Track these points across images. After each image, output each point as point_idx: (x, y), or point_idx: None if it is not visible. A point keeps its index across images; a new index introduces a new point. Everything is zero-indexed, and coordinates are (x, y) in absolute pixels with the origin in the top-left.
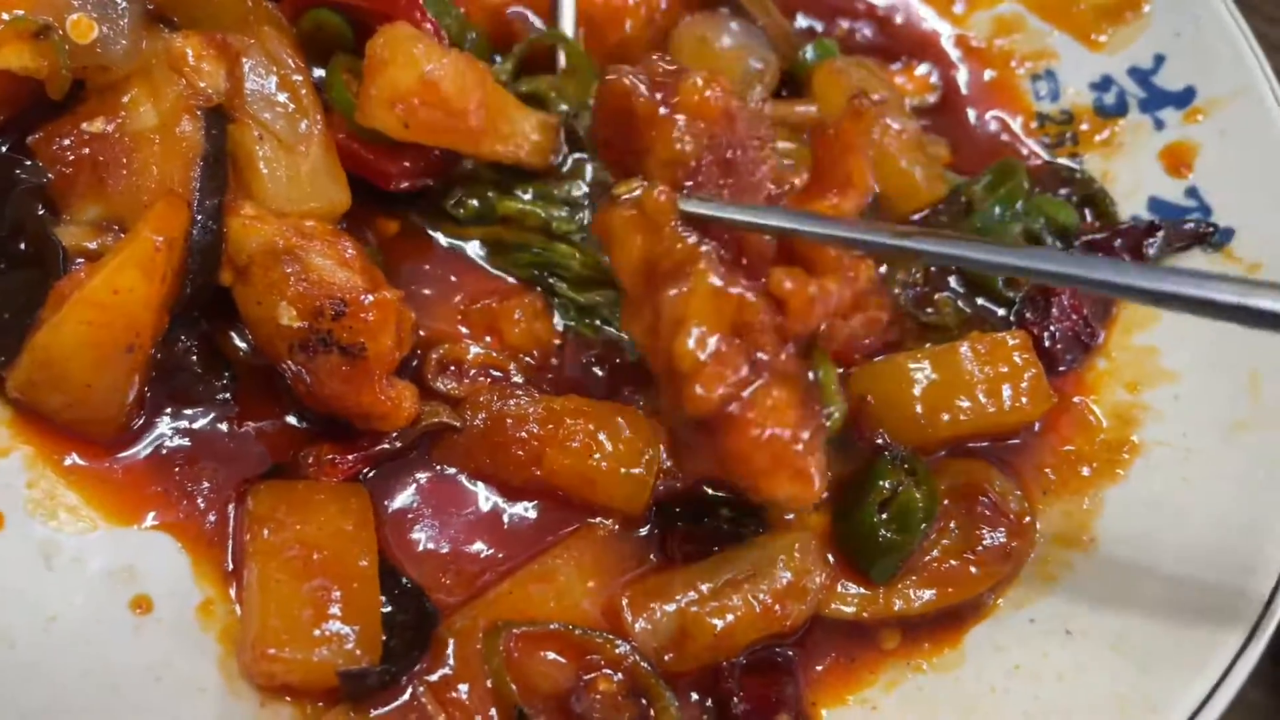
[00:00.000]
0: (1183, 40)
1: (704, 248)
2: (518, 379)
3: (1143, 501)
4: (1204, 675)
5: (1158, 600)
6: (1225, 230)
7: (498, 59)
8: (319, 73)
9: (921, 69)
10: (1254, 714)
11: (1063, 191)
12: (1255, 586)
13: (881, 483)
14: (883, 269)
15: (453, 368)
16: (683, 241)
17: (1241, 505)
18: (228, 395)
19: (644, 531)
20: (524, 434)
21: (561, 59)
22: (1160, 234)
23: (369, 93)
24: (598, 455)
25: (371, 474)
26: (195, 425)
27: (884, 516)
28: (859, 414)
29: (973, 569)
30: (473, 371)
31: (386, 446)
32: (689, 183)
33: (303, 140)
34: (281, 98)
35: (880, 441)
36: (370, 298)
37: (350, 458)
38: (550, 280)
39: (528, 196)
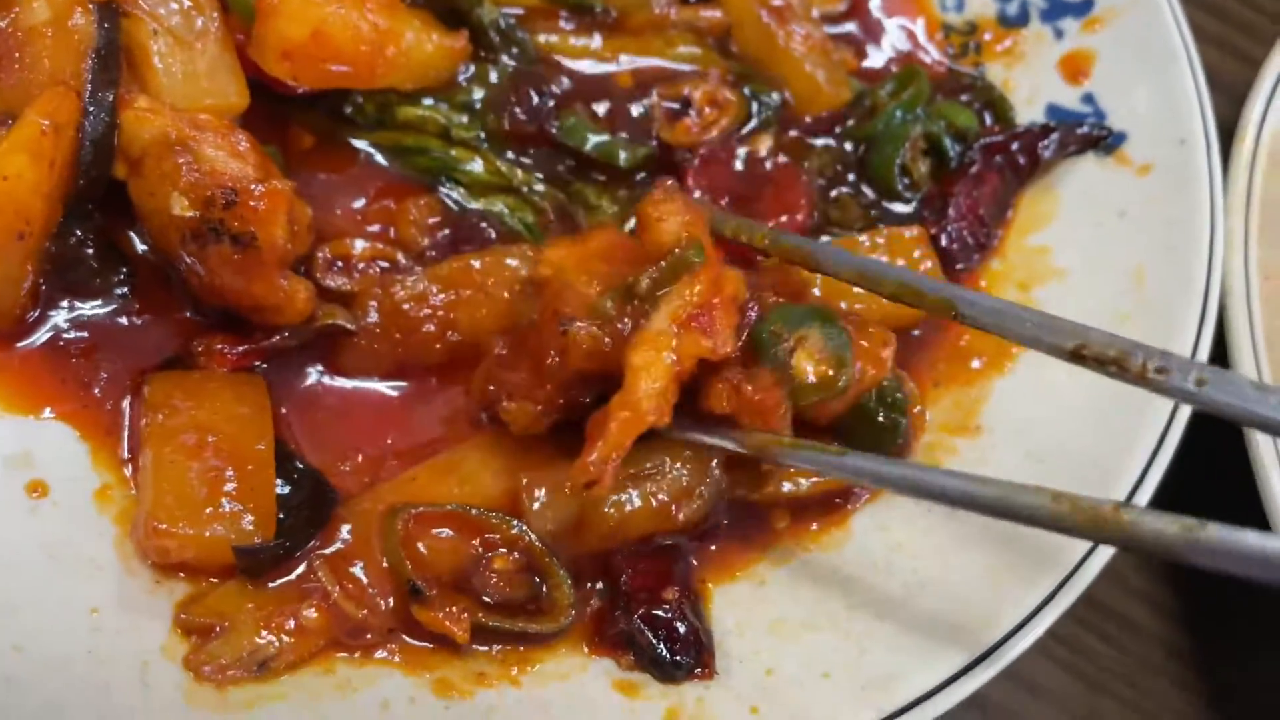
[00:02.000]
0: None
1: None
2: (405, 263)
3: (1028, 391)
4: (1070, 550)
5: (1036, 481)
6: (1118, 134)
7: None
8: None
9: None
10: (1128, 593)
11: (964, 98)
12: (1130, 464)
13: None
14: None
15: (340, 264)
16: None
17: (1120, 391)
18: (124, 290)
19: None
20: (426, 310)
21: None
22: (1055, 136)
23: (259, 36)
24: (505, 293)
25: (266, 366)
26: (92, 318)
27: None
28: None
29: None
30: (361, 265)
31: (277, 340)
32: None
33: (199, 37)
34: None
35: None
36: (260, 187)
37: (239, 349)
38: (448, 186)
39: (428, 102)
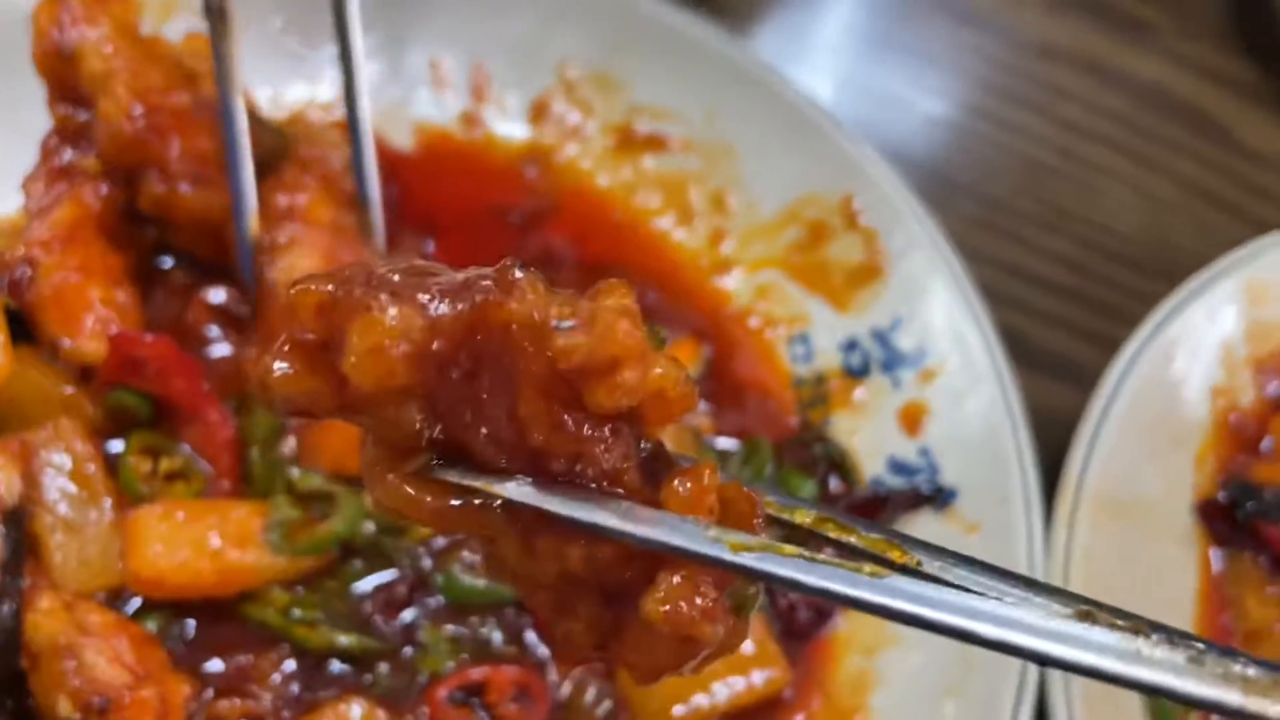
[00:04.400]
0: (915, 305)
1: None
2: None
3: None
4: None
5: None
6: (949, 492)
7: None
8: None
9: (687, 340)
10: None
11: (815, 450)
12: None
13: None
14: None
15: None
16: None
17: None
18: None
19: None
20: None
21: None
22: (888, 506)
23: (125, 552)
24: None
25: None
26: None
27: None
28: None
29: None
30: None
31: None
32: None
33: (92, 525)
34: (73, 488)
35: None
36: (129, 697)
37: None
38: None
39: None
